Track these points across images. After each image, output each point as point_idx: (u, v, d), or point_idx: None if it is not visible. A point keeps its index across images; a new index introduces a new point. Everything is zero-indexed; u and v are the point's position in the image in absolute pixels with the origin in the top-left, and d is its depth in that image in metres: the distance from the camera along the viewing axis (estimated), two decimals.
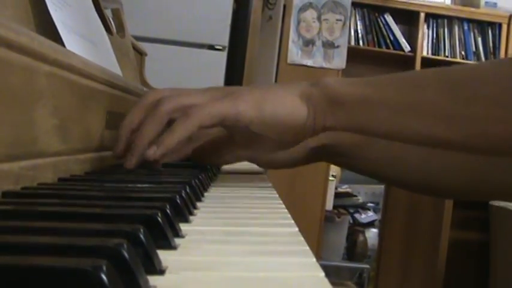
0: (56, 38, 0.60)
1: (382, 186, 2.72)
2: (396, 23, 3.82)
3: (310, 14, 2.80)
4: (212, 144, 0.73)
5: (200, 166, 0.70)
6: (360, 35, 3.79)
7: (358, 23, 3.80)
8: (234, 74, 2.24)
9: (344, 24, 2.82)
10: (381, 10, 3.82)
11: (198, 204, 0.49)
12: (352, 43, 3.69)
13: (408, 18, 3.84)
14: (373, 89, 0.60)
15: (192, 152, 0.73)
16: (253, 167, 0.80)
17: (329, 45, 2.80)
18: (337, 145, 0.76)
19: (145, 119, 0.62)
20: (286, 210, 0.49)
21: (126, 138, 0.63)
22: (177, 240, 0.33)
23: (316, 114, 0.62)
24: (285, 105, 0.62)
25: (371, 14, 3.83)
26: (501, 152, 0.56)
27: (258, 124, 0.62)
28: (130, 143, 0.63)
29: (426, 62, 3.80)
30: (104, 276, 0.20)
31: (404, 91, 0.58)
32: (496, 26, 3.85)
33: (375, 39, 3.81)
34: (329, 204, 3.08)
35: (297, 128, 0.63)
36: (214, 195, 0.59)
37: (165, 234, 0.32)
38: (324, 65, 2.78)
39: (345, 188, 3.61)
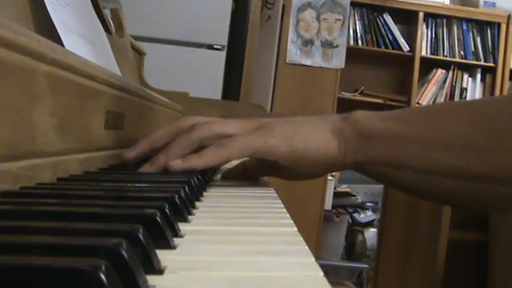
0: (55, 37, 0.60)
1: (381, 186, 2.72)
2: (395, 22, 3.82)
3: (309, 14, 2.80)
4: (242, 168, 0.74)
5: None
6: (358, 35, 3.79)
7: (357, 22, 3.80)
8: (233, 74, 2.24)
9: (343, 23, 2.82)
10: (380, 10, 3.82)
11: (197, 203, 0.49)
12: (351, 43, 3.69)
13: (407, 18, 3.84)
14: (405, 124, 0.61)
15: (223, 176, 0.75)
16: None
17: (328, 45, 2.80)
18: None
19: (176, 138, 0.64)
20: (285, 210, 0.49)
21: (143, 150, 0.66)
22: (176, 240, 0.33)
23: (347, 150, 0.63)
24: (316, 141, 0.63)
25: (370, 14, 3.83)
26: None
27: (288, 159, 0.63)
28: (144, 155, 0.65)
29: (425, 62, 3.80)
30: (102, 276, 0.20)
31: (436, 125, 0.59)
32: (494, 26, 3.85)
33: (374, 39, 3.81)
34: (328, 204, 3.08)
35: (327, 163, 0.63)
36: (213, 194, 0.59)
37: (164, 234, 0.32)
38: (323, 64, 2.79)
39: (344, 188, 3.61)
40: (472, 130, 0.56)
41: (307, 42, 2.79)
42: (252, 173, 0.74)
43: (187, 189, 0.47)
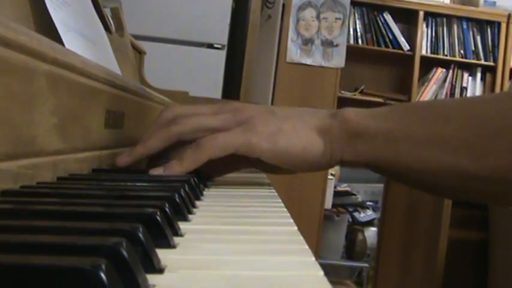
0: (55, 36, 0.60)
1: (382, 185, 2.72)
2: (395, 21, 3.82)
3: (309, 13, 2.80)
4: (222, 160, 0.72)
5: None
6: (359, 34, 3.79)
7: (357, 21, 3.80)
8: (233, 73, 2.24)
9: (343, 22, 2.82)
10: (380, 9, 3.82)
11: (198, 203, 0.49)
12: (351, 42, 3.69)
13: (407, 17, 3.84)
14: (395, 122, 0.59)
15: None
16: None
17: (328, 44, 2.80)
18: None
19: (156, 132, 0.63)
20: (285, 209, 0.49)
21: (137, 157, 0.64)
22: (176, 239, 0.33)
23: (333, 149, 0.61)
24: (300, 139, 0.61)
25: (370, 13, 3.83)
26: None
27: (270, 157, 0.61)
28: (139, 160, 0.63)
29: (425, 61, 3.80)
30: (103, 275, 0.20)
31: (427, 124, 0.58)
32: (495, 25, 3.85)
33: (374, 38, 3.81)
34: (328, 203, 3.08)
35: (311, 162, 0.62)
36: (213, 194, 0.59)
37: (164, 233, 0.32)
38: (323, 63, 2.78)
39: (344, 187, 3.61)
40: (464, 130, 0.55)
41: (307, 41, 2.79)
42: (233, 165, 0.71)
43: (187, 188, 0.47)
